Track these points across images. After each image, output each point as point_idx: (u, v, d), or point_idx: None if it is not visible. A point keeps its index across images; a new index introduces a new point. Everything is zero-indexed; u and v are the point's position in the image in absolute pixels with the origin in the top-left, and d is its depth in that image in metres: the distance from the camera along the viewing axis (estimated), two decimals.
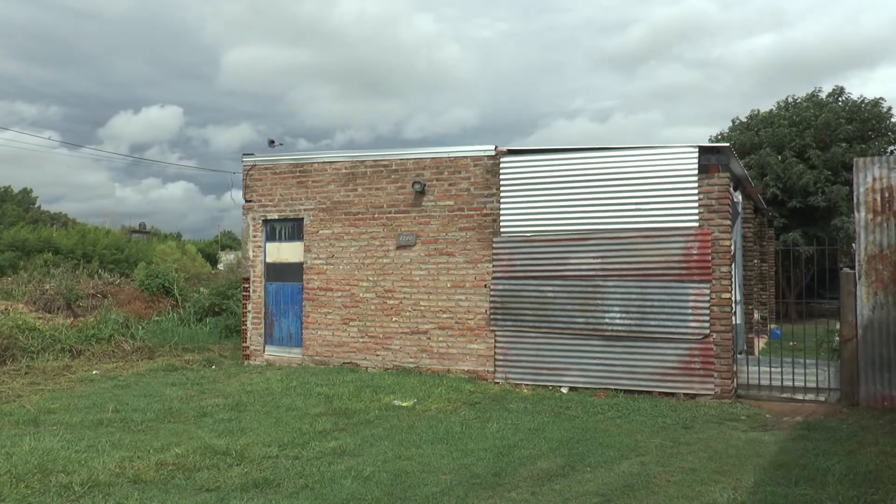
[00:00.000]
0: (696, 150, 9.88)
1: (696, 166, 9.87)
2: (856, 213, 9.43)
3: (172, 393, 10.06)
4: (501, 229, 11.13)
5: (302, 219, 12.81)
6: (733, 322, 10.00)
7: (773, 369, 10.10)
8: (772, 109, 25.30)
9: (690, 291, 9.85)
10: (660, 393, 9.89)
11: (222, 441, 7.21)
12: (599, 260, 10.40)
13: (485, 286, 11.23)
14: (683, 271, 9.90)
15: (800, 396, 9.74)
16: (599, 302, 10.35)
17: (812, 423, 8.24)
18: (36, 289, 16.90)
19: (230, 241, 49.72)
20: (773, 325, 17.96)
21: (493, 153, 11.26)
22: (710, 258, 9.77)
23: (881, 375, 9.11)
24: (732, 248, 10.16)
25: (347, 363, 12.29)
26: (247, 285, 13.36)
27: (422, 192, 11.69)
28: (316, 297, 12.65)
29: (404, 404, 9.21)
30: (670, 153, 10.08)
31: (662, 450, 7.04)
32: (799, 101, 24.99)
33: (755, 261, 15.10)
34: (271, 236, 13.21)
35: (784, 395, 9.81)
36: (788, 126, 23.24)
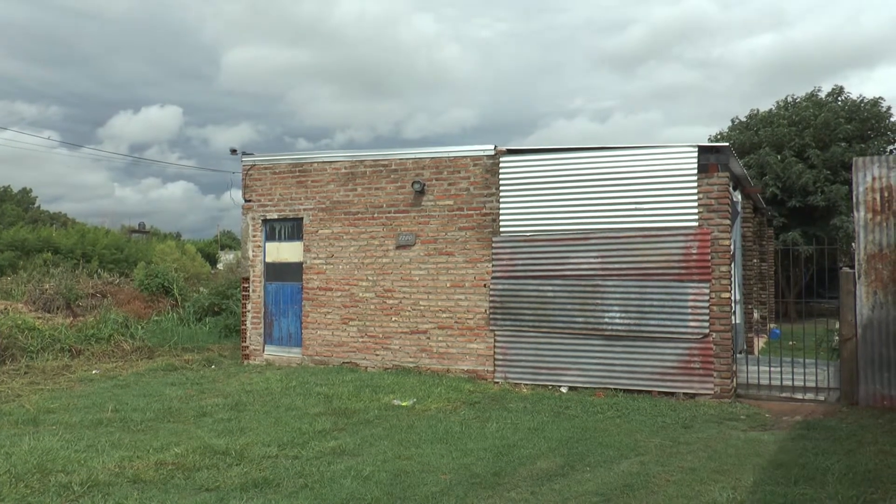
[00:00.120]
0: (696, 149, 9.88)
1: (696, 166, 9.87)
2: (855, 213, 9.43)
3: (172, 392, 10.06)
4: (501, 229, 11.13)
5: (301, 218, 12.81)
6: (733, 321, 10.00)
7: (772, 369, 10.10)
8: (771, 109, 25.31)
9: (690, 291, 9.85)
10: (659, 392, 9.90)
11: (222, 441, 7.21)
12: (599, 259, 10.40)
13: (484, 286, 11.23)
14: (683, 271, 9.90)
15: (799, 396, 9.75)
16: (599, 301, 10.35)
17: (811, 423, 8.25)
18: (35, 288, 16.90)
19: (230, 241, 49.72)
20: (772, 325, 17.96)
21: (492, 153, 11.26)
22: (709, 258, 9.77)
23: (880, 375, 9.12)
24: (732, 247, 10.16)
25: (347, 363, 12.29)
26: (246, 285, 13.35)
27: (421, 192, 11.69)
28: (315, 296, 12.65)
29: (404, 404, 9.21)
30: (670, 153, 10.08)
31: (662, 449, 7.05)
32: (798, 100, 24.99)
33: (754, 260, 15.10)
34: (271, 236, 13.21)
35: (783, 395, 9.81)
36: (788, 125, 23.24)
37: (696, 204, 9.87)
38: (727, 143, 10.06)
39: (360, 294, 12.24)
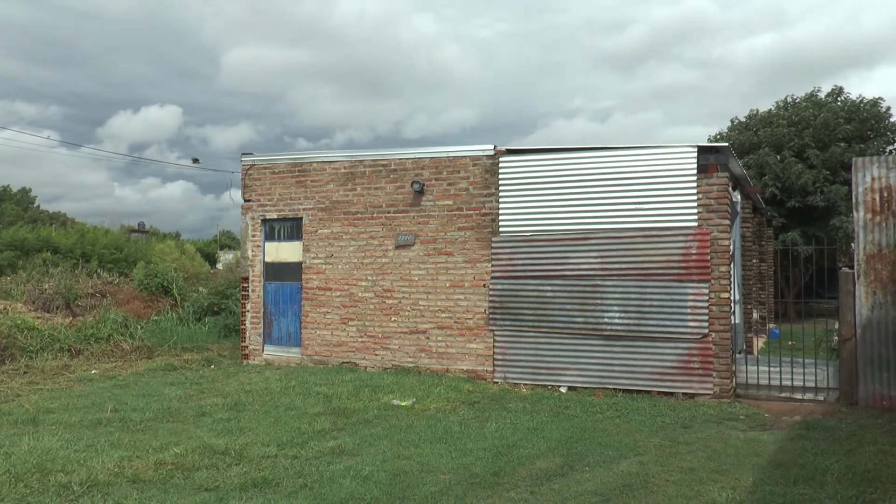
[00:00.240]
0: (695, 149, 9.89)
1: (695, 166, 9.87)
2: (854, 213, 9.43)
3: (171, 392, 10.06)
4: (500, 229, 11.13)
5: (301, 218, 12.81)
6: (732, 321, 10.01)
7: (771, 369, 10.10)
8: (771, 109, 25.35)
9: (689, 291, 9.85)
10: (658, 392, 9.90)
11: (221, 440, 7.21)
12: (598, 259, 10.40)
13: (484, 286, 11.23)
14: (682, 271, 9.91)
15: (798, 396, 9.75)
16: (598, 301, 10.35)
17: (811, 423, 8.25)
18: (35, 288, 16.90)
19: (229, 241, 49.67)
20: (771, 325, 17.97)
21: (491, 153, 11.26)
22: (708, 258, 9.77)
23: (880, 375, 9.12)
24: (731, 247, 10.17)
25: (346, 363, 12.29)
26: (246, 285, 13.35)
27: (421, 192, 11.69)
28: (315, 296, 12.65)
29: (403, 404, 9.22)
30: (669, 153, 10.08)
31: (661, 449, 7.05)
32: (798, 100, 25.03)
33: (754, 260, 15.11)
34: (270, 236, 13.21)
35: (783, 395, 9.82)
36: (787, 126, 23.26)
37: (695, 204, 9.88)
38: (727, 144, 10.06)
39: (360, 294, 12.25)
